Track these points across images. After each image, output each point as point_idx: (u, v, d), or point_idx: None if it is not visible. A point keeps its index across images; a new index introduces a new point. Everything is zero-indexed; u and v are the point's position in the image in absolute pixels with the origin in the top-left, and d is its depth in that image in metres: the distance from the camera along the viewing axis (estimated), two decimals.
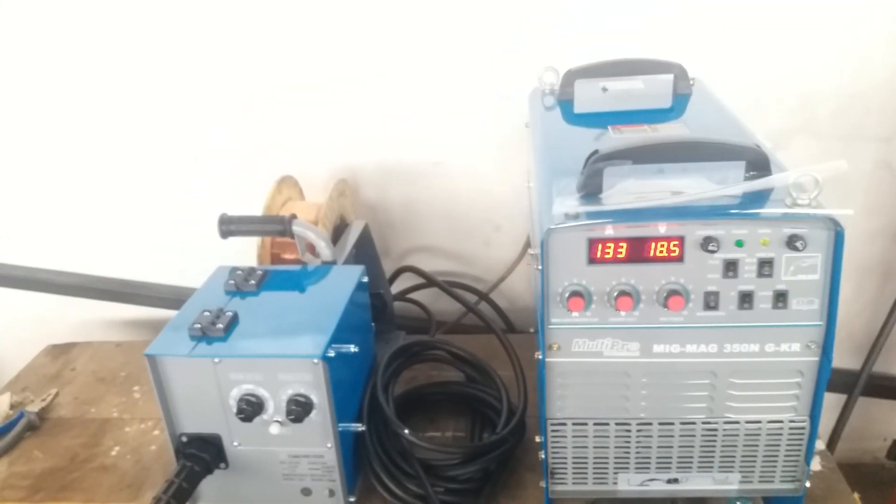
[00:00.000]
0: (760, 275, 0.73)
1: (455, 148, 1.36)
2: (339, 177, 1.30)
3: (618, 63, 1.03)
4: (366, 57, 1.29)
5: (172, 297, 1.51)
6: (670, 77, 1.02)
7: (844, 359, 1.43)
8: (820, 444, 1.01)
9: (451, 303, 1.36)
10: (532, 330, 1.19)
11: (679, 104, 1.02)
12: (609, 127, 0.93)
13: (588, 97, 1.03)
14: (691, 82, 1.05)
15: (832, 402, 1.43)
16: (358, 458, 0.99)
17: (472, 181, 1.39)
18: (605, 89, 1.02)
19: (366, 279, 1.05)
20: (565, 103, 1.06)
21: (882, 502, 1.40)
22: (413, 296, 1.41)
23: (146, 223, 1.49)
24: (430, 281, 1.37)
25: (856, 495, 0.95)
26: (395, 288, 1.40)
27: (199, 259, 1.11)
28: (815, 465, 0.98)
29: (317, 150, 1.37)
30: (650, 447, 0.83)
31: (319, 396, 0.88)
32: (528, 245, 1.37)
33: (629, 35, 1.21)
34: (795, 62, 1.22)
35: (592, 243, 0.73)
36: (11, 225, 1.52)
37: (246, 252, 1.21)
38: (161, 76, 1.35)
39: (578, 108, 1.03)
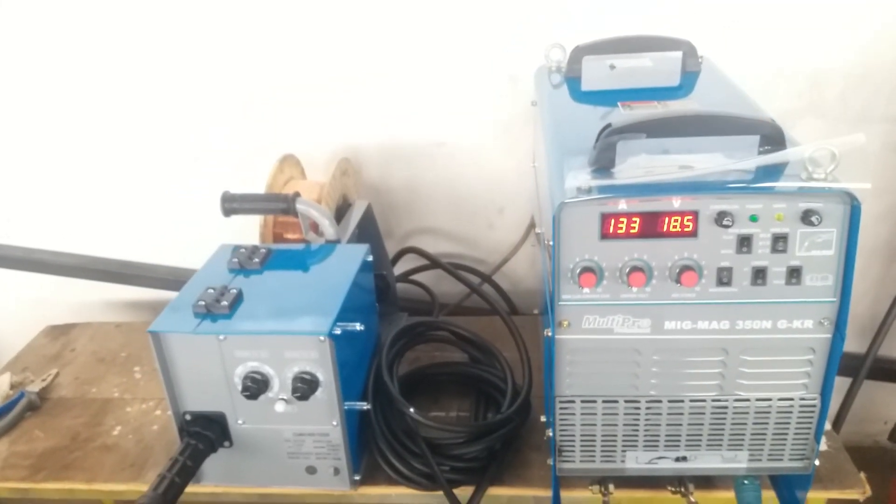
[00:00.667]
0: (774, 250, 0.72)
1: (458, 129, 1.35)
2: (341, 156, 1.28)
3: (626, 40, 1.02)
4: (370, 40, 1.28)
5: (172, 279, 1.49)
6: (679, 54, 1.01)
7: (848, 341, 1.42)
8: (826, 425, 1.01)
9: (453, 285, 1.35)
10: (536, 311, 1.19)
11: (688, 82, 1.01)
12: (619, 103, 0.91)
13: (596, 75, 1.01)
14: (700, 60, 1.04)
15: (835, 385, 1.43)
16: (363, 437, 0.98)
17: (476, 162, 1.38)
18: (612, 67, 1.01)
19: (370, 258, 1.04)
20: (572, 81, 1.05)
21: (883, 485, 1.39)
22: (416, 277, 1.40)
23: (146, 205, 1.48)
24: (433, 262, 1.36)
25: (862, 475, 0.95)
26: (398, 269, 1.39)
27: (200, 240, 1.10)
28: (822, 444, 0.97)
29: (319, 128, 1.36)
30: (659, 425, 0.82)
31: (325, 374, 0.88)
32: (531, 227, 1.36)
33: (636, 12, 1.20)
34: (803, 43, 1.21)
35: (605, 218, 0.72)
36: (12, 206, 1.51)
37: (246, 234, 1.20)
38: (159, 69, 1.34)
39: (586, 86, 1.02)
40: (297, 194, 1.06)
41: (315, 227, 1.09)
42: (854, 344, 1.41)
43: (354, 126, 1.36)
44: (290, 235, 1.20)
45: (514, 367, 1.06)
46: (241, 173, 1.37)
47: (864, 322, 1.40)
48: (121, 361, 1.30)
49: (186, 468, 0.87)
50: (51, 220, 1.52)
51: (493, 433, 0.97)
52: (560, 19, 1.21)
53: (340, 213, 1.24)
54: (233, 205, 1.06)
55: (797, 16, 1.19)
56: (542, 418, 0.89)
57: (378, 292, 1.15)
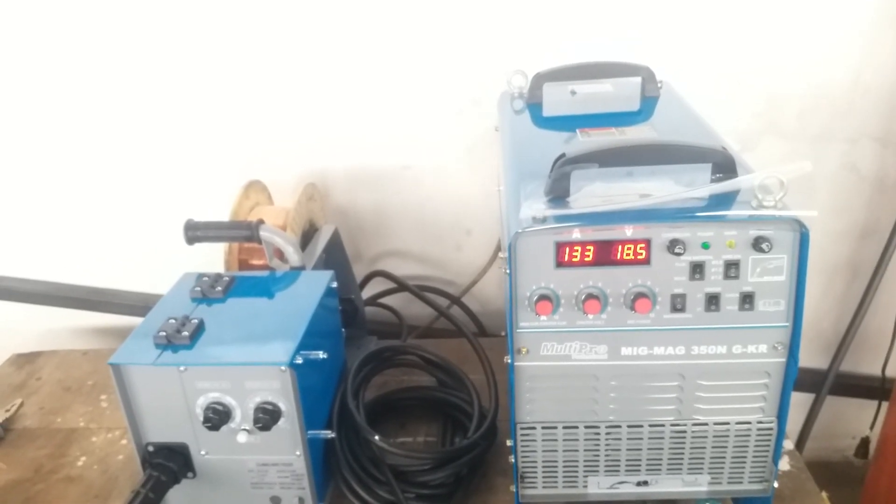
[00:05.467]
0: (727, 276, 0.73)
1: (425, 151, 1.36)
2: (307, 181, 1.29)
3: (586, 66, 1.03)
4: (334, 61, 1.28)
5: (140, 305, 1.48)
6: (638, 80, 1.03)
7: (813, 358, 1.45)
8: (788, 444, 1.02)
9: (422, 307, 1.36)
10: (503, 333, 1.19)
11: (647, 107, 1.02)
12: (577, 130, 0.93)
13: (557, 100, 1.03)
14: (659, 85, 1.06)
15: (801, 402, 1.45)
16: (328, 466, 0.97)
17: (443, 185, 1.39)
18: (573, 92, 1.03)
19: (335, 284, 1.04)
20: (534, 107, 1.06)
21: (852, 500, 1.41)
22: (384, 300, 1.40)
23: (113, 230, 1.47)
24: (401, 285, 1.36)
25: (824, 494, 0.96)
26: (366, 293, 1.39)
27: (168, 266, 1.09)
28: (784, 464, 0.99)
29: (285, 154, 1.36)
30: (619, 450, 0.83)
31: (287, 404, 0.87)
32: (499, 248, 1.36)
33: (597, 37, 1.22)
34: (763, 63, 1.23)
35: (560, 247, 0.73)
36: None
37: (216, 259, 1.19)
38: (126, 83, 1.33)
39: (547, 112, 1.03)
40: (260, 221, 1.06)
41: (280, 254, 1.08)
42: (819, 360, 1.43)
43: (321, 150, 1.36)
44: (255, 262, 1.20)
45: (481, 389, 1.06)
46: (209, 199, 1.37)
47: (829, 338, 1.42)
48: (87, 390, 1.29)
49: (148, 500, 0.85)
50: (16, 247, 1.50)
51: (458, 459, 0.97)
52: (522, 45, 1.23)
53: (307, 237, 1.24)
54: (196, 233, 1.06)
55: (754, 37, 1.21)
56: (509, 442, 0.89)
57: (346, 317, 1.14)
